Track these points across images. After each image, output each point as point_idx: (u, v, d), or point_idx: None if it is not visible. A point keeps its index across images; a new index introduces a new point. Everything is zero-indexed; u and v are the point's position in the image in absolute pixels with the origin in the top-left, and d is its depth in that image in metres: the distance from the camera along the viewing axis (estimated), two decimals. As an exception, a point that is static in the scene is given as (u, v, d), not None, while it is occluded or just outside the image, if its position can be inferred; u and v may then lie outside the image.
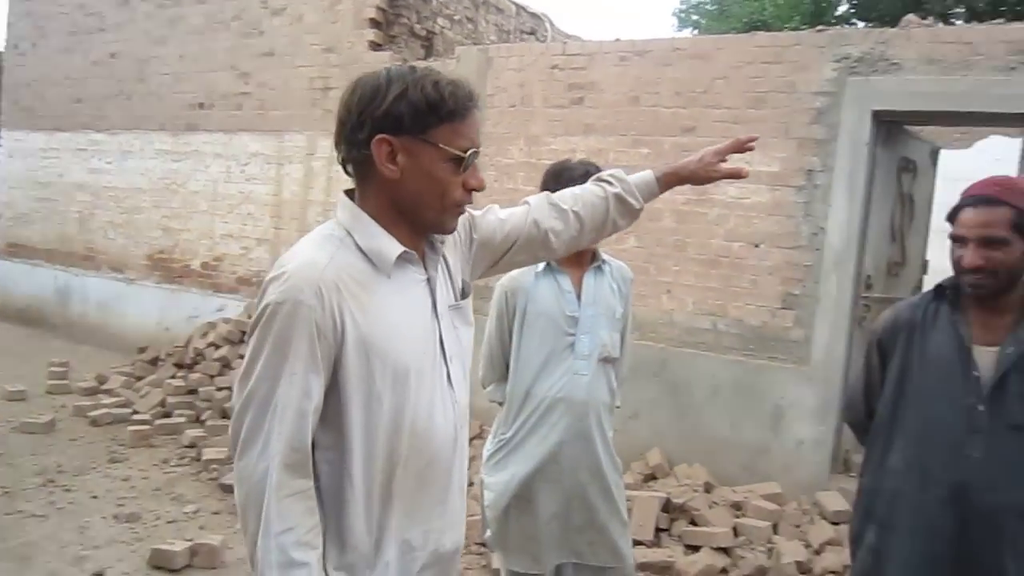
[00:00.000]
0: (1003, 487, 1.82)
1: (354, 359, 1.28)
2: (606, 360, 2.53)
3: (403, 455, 1.34)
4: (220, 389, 5.90)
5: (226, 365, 6.15)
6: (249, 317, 6.48)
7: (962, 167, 7.93)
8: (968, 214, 1.88)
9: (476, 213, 1.60)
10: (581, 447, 2.44)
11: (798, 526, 4.21)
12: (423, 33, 6.68)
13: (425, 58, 6.46)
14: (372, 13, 6.32)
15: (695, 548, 4.02)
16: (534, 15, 8.10)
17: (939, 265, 6.23)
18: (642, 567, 3.66)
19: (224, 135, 7.14)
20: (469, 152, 1.34)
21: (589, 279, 2.53)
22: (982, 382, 1.87)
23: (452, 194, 1.35)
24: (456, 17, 6.99)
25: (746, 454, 4.81)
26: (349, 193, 1.40)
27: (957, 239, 1.91)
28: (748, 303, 4.91)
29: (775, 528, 4.19)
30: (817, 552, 3.92)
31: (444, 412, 1.40)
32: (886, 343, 2.08)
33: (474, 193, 1.40)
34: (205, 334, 6.51)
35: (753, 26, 13.38)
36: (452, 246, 1.52)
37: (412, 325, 1.37)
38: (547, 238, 1.65)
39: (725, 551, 3.99)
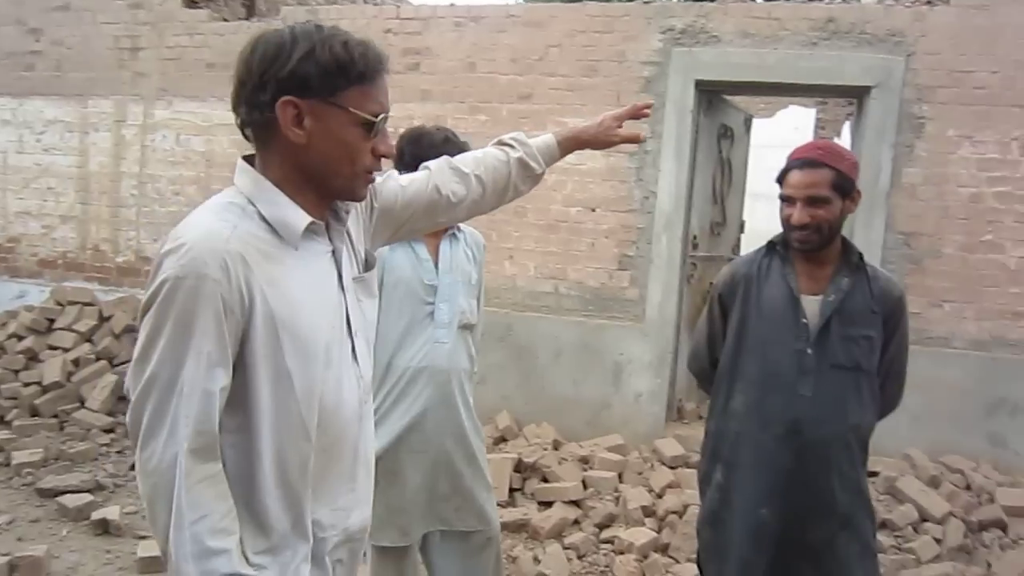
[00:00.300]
0: (829, 420, 2.04)
1: (262, 335, 1.20)
2: (465, 327, 2.52)
3: (313, 433, 1.27)
4: (27, 385, 5.32)
5: (32, 358, 5.55)
6: (58, 304, 5.89)
7: (767, 134, 8.66)
8: (795, 176, 2.05)
9: (376, 180, 1.52)
10: (445, 415, 2.44)
11: (640, 473, 4.47)
12: (243, -9, 6.25)
13: (247, 17, 6.06)
14: (185, -34, 5.82)
15: (548, 504, 4.16)
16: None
17: (755, 225, 6.80)
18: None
19: (12, 99, 6.34)
20: (380, 117, 1.28)
21: (445, 247, 2.50)
22: (810, 328, 2.06)
23: (362, 160, 1.29)
24: (279, -25, 6.59)
25: (590, 410, 5.04)
26: (248, 159, 1.31)
27: (786, 199, 2.08)
28: (587, 266, 5.10)
29: (620, 477, 4.43)
30: (659, 496, 4.19)
31: (350, 388, 1.35)
32: (726, 297, 2.24)
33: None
34: (4, 324, 5.82)
35: (576, -4, 13.73)
36: (354, 216, 1.45)
37: (320, 299, 1.30)
38: (449, 203, 1.61)
39: (576, 503, 4.16)
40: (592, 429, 4.96)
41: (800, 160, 2.06)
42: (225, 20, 5.88)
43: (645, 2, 4.99)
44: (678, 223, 4.91)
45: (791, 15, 4.68)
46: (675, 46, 4.83)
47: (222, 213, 1.22)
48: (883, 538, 3.78)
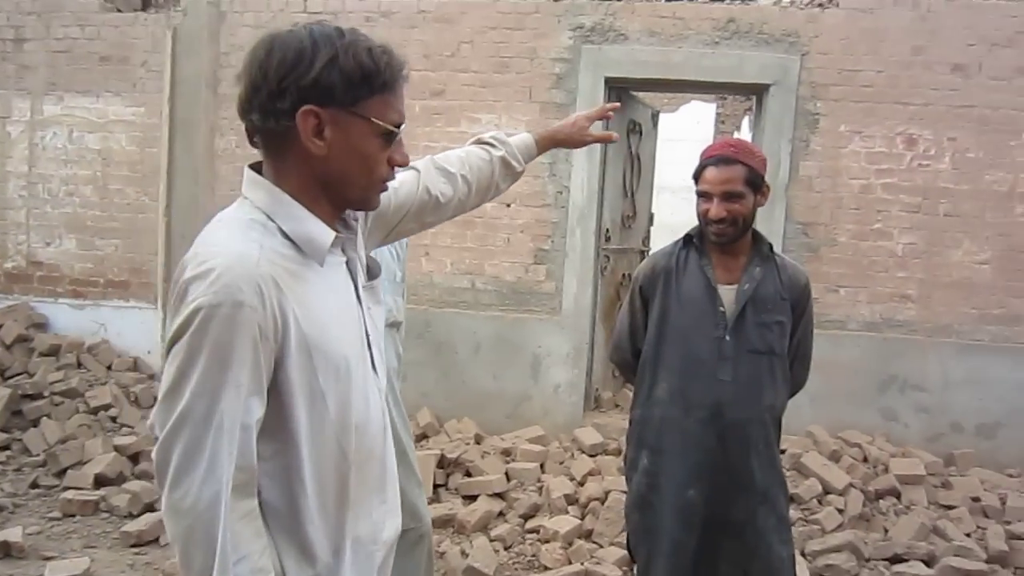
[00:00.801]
0: (747, 402, 2.16)
1: (296, 359, 1.15)
2: (392, 325, 2.52)
3: (349, 451, 1.24)
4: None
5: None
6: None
7: (671, 128, 8.94)
8: (711, 172, 2.16)
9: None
10: None
11: (562, 462, 4.57)
12: (138, -20, 5.96)
13: (143, 8, 5.79)
14: (74, -48, 5.51)
15: (473, 497, 4.20)
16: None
17: (663, 218, 7.03)
18: (426, 524, 3.75)
19: None
20: (401, 127, 1.24)
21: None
22: (727, 316, 2.17)
23: (379, 170, 1.24)
24: (176, -36, 6.34)
25: (510, 403, 5.10)
26: (255, 167, 1.24)
27: (703, 194, 2.18)
28: (503, 260, 5.15)
29: (542, 467, 4.50)
30: (581, 483, 4.29)
31: (375, 401, 1.31)
32: (647, 289, 2.33)
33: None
34: None
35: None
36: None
37: (343, 314, 1.26)
38: (437, 203, 1.60)
39: (500, 496, 4.22)
40: (513, 422, 5.02)
41: (715, 157, 2.17)
42: (119, 10, 5.60)
43: (555, 0, 5.06)
44: (591, 217, 5.02)
45: (694, 15, 4.85)
46: (585, 43, 4.93)
47: (246, 232, 1.16)
48: (791, 511, 3.99)
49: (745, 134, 9.31)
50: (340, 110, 1.16)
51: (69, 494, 4.07)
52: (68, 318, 5.64)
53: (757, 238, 2.26)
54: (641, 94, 5.88)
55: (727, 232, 2.16)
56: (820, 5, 4.82)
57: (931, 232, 4.77)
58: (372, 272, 1.40)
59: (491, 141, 1.71)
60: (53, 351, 5.37)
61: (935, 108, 4.71)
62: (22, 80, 5.61)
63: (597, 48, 4.92)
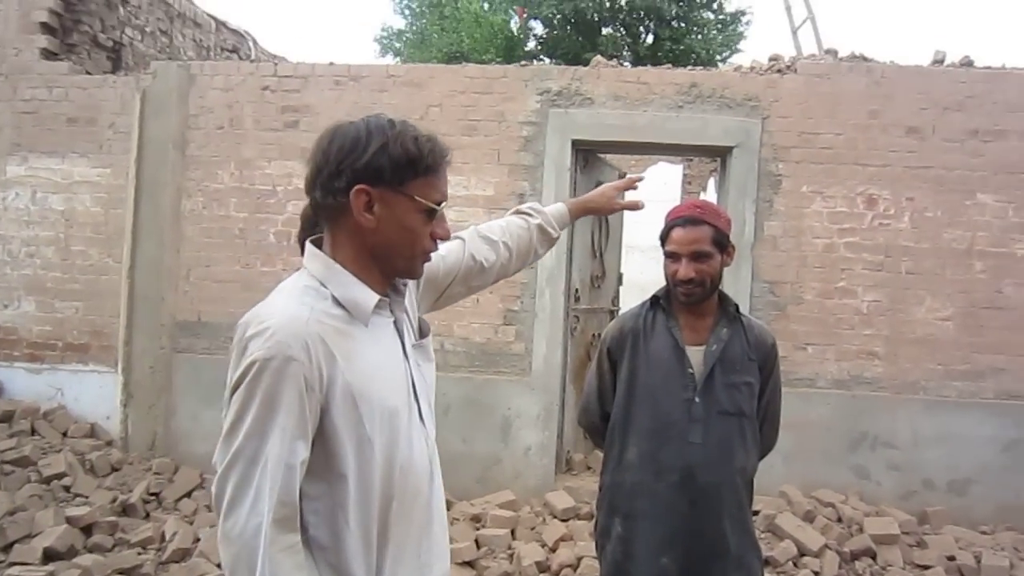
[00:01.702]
0: (718, 465, 2.11)
1: (341, 407, 1.29)
2: None
3: (394, 495, 1.36)
4: None
5: None
6: None
7: (638, 190, 9.11)
8: (679, 233, 2.16)
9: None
10: None
11: (533, 528, 4.46)
12: (109, 44, 6.00)
13: (113, 71, 5.81)
14: (44, 16, 5.52)
15: (441, 566, 4.06)
16: (236, 32, 7.69)
17: (632, 277, 7.07)
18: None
19: None
20: (442, 205, 1.41)
21: None
22: (696, 377, 2.15)
23: (422, 243, 1.41)
24: (148, 29, 6.38)
25: (480, 466, 4.99)
26: (315, 242, 1.41)
27: (671, 255, 2.18)
28: (472, 321, 5.12)
29: (513, 533, 4.39)
30: (553, 550, 4.18)
31: (420, 449, 1.43)
32: (615, 351, 2.30)
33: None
34: None
35: (452, 57, 14.09)
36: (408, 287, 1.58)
37: (389, 367, 1.40)
38: (482, 268, 1.78)
39: (470, 564, 4.09)
40: (483, 485, 4.91)
41: (682, 218, 2.17)
42: (88, 73, 5.61)
43: (522, 65, 5.17)
44: (560, 277, 5.03)
45: (658, 80, 4.98)
46: (552, 107, 5.03)
47: (301, 297, 1.33)
48: (767, 575, 3.92)
49: (711, 195, 9.48)
50: (388, 189, 1.34)
51: (15, 570, 3.86)
52: (24, 382, 5.47)
53: (723, 299, 2.26)
54: (608, 156, 5.97)
55: (695, 292, 2.15)
56: (779, 71, 4.97)
57: (894, 289, 4.84)
58: (423, 331, 1.56)
59: (528, 211, 1.92)
60: (6, 417, 5.18)
61: (893, 169, 4.84)
62: (-11, 142, 5.56)
63: (564, 112, 5.01)
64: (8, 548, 4.15)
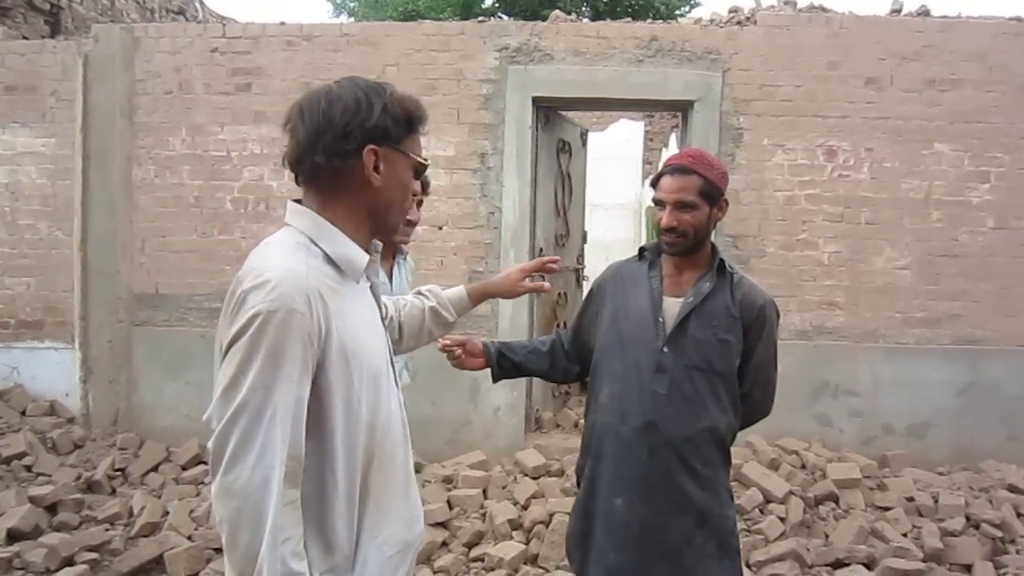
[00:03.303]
0: (682, 419, 2.10)
1: (335, 365, 1.31)
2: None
3: (375, 454, 1.39)
4: None
5: None
6: None
7: (600, 147, 9.05)
8: (666, 181, 2.13)
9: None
10: None
11: (504, 487, 4.49)
12: (45, 7, 5.73)
13: (52, 35, 5.56)
14: (-27, -20, 5.27)
15: (414, 529, 4.07)
16: (181, -7, 7.41)
17: (596, 236, 7.06)
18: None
19: None
20: (427, 160, 1.49)
21: (395, 269, 2.64)
22: (666, 327, 2.14)
23: (408, 198, 1.49)
24: (87, -10, 6.12)
25: (450, 428, 5.00)
26: (297, 202, 1.43)
27: (657, 202, 2.16)
28: (437, 283, 5.05)
29: (485, 493, 4.42)
30: (525, 507, 4.22)
31: (396, 410, 1.47)
32: (595, 292, 2.33)
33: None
34: None
35: (408, 16, 13.74)
36: None
37: (374, 327, 1.45)
38: None
39: (443, 524, 4.11)
40: (453, 448, 4.92)
41: (672, 166, 2.14)
42: (25, 38, 5.36)
43: (479, 21, 5.06)
44: (524, 237, 5.00)
45: (618, 34, 4.91)
46: (511, 64, 4.94)
47: (294, 252, 1.33)
48: (734, 524, 4.01)
49: (672, 151, 9.48)
50: (390, 148, 1.39)
51: (-22, 552, 3.79)
52: (-23, 362, 5.31)
53: (714, 254, 2.22)
54: (570, 113, 5.91)
55: (677, 242, 2.11)
56: (739, 23, 4.94)
57: (854, 240, 4.90)
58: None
59: (425, 293, 1.98)
60: (-39, 398, 5.04)
61: (852, 120, 4.86)
62: (-80, 113, 5.30)
63: (523, 68, 4.93)
64: (-30, 531, 4.06)
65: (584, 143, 6.02)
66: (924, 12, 5.08)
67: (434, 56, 4.98)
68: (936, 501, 4.23)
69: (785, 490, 4.18)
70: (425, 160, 1.47)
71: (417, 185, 1.51)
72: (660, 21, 5.21)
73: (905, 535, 3.97)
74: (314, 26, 5.08)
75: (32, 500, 4.17)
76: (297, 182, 1.40)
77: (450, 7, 14.46)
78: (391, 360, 1.48)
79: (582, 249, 6.17)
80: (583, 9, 14.81)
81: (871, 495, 4.35)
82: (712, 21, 5.01)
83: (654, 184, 2.19)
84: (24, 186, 5.28)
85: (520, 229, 4.99)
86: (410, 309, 1.91)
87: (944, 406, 4.86)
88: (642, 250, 2.30)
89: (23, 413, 5.12)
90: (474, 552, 3.89)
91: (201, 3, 7.69)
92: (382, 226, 1.47)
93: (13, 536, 3.96)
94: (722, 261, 2.22)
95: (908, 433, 4.87)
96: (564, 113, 5.64)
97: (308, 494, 1.31)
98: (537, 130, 5.09)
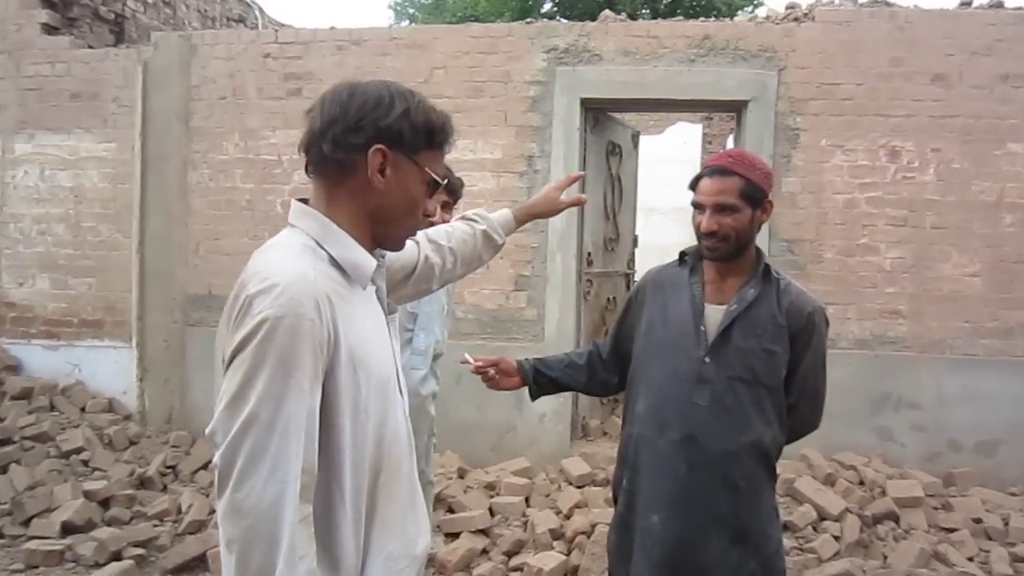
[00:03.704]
0: (724, 433, 1.98)
1: (344, 373, 1.24)
2: (437, 356, 2.64)
3: (383, 467, 1.33)
4: None
5: None
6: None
7: (657, 150, 8.89)
8: (705, 183, 2.01)
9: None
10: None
11: (548, 495, 4.41)
12: (110, 16, 5.92)
13: (115, 44, 5.74)
14: (43, -9, 5.47)
15: (455, 535, 4.03)
16: (242, 1, 7.58)
17: (650, 239, 6.93)
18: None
19: None
20: (445, 180, 1.40)
21: None
22: (708, 337, 2.02)
23: (418, 215, 1.40)
24: (150, 0, 6.30)
25: (494, 434, 4.95)
26: (303, 202, 1.37)
27: (697, 206, 2.05)
28: (483, 288, 5.03)
29: (527, 501, 4.35)
30: (567, 517, 4.13)
31: (402, 420, 1.41)
32: (634, 300, 2.24)
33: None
34: None
35: (465, 20, 13.82)
36: None
37: (380, 334, 1.38)
38: (431, 271, 1.76)
39: (484, 532, 4.05)
40: (498, 453, 4.87)
41: (711, 168, 2.03)
42: (90, 47, 5.55)
43: (527, 22, 5.01)
44: (571, 241, 4.92)
45: (669, 33, 4.79)
46: (559, 65, 4.86)
47: (300, 254, 1.27)
48: (784, 540, 3.84)
49: (732, 153, 9.26)
50: (402, 154, 1.32)
51: (33, 544, 3.91)
52: (42, 359, 5.51)
53: (760, 259, 2.10)
54: (623, 115, 5.80)
55: (719, 247, 2.00)
56: (796, 19, 4.76)
57: (919, 245, 4.66)
58: (390, 308, 1.53)
59: (474, 217, 1.91)
60: (25, 394, 5.23)
61: (917, 119, 4.63)
62: (-3, 119, 5.54)
63: (571, 69, 4.85)
64: (27, 522, 4.20)
65: (635, 145, 5.90)
66: (997, 4, 4.81)
67: (481, 58, 4.94)
68: (1006, 524, 3.98)
69: (841, 507, 3.99)
70: (440, 179, 1.38)
71: (434, 206, 1.44)
72: (713, 19, 5.07)
73: (971, 559, 3.74)
74: (363, 30, 5.11)
75: (86, 495, 4.29)
76: (307, 171, 1.35)
77: (508, 11, 14.49)
78: (398, 369, 1.43)
79: (632, 253, 6.04)
80: (642, 12, 14.65)
81: (934, 515, 4.11)
82: (768, 18, 4.85)
83: (692, 187, 2.08)
84: (87, 190, 5.46)
85: (567, 233, 4.91)
86: (460, 235, 1.85)
87: (1017, 422, 4.56)
88: (683, 254, 2.18)
89: (82, 410, 5.28)
90: (514, 561, 3.82)
91: (261, 11, 7.86)
92: (383, 236, 1.39)
93: (67, 529, 4.09)
94: (767, 266, 2.09)
95: (976, 450, 4.60)
96: (615, 115, 5.54)
97: (314, 508, 1.24)
98: (585, 132, 5.00)
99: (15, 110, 5.51)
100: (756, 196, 2.00)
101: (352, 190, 1.32)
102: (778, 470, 4.27)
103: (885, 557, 3.77)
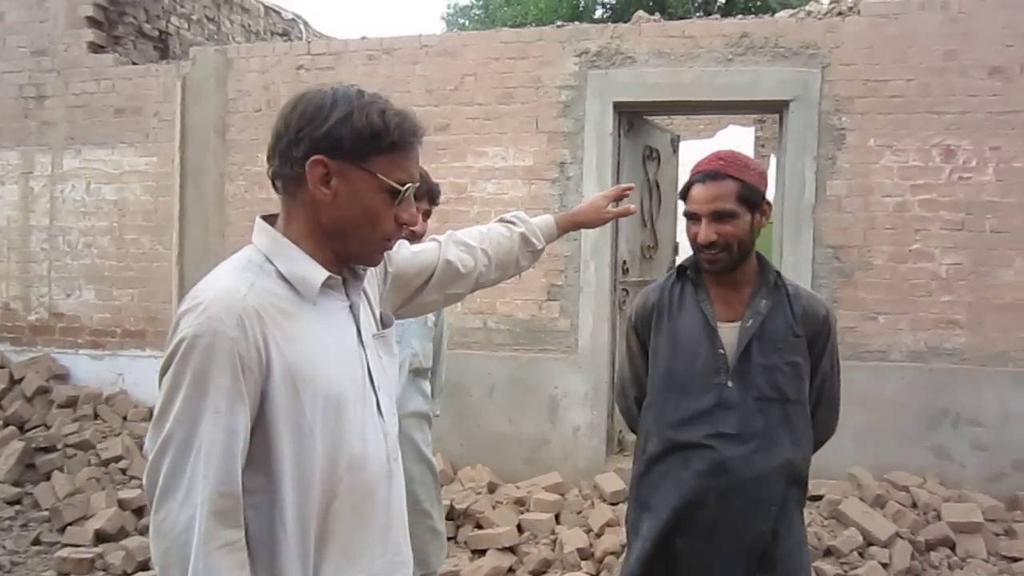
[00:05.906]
0: (758, 458, 1.83)
1: (281, 392, 1.19)
2: (417, 371, 2.50)
3: (338, 492, 1.25)
4: None
5: None
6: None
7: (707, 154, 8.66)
8: (698, 190, 1.86)
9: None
10: None
11: (579, 512, 4.26)
12: (154, 33, 6.06)
13: (159, 61, 5.86)
14: (90, 11, 5.61)
15: (482, 552, 3.93)
16: (286, 16, 7.68)
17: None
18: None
19: (-83, 156, 6.05)
20: (406, 186, 1.30)
21: None
22: (728, 359, 1.87)
23: (383, 225, 1.30)
24: (194, 16, 6.42)
25: (527, 447, 4.83)
26: (268, 218, 1.33)
27: (691, 216, 1.89)
28: (515, 298, 4.93)
29: (557, 518, 4.21)
30: (598, 535, 3.98)
31: (376, 444, 1.32)
32: (641, 328, 2.04)
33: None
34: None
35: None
36: (371, 276, 1.48)
37: (339, 352, 1.29)
38: (458, 273, 1.67)
39: (511, 550, 3.94)
40: (531, 467, 4.75)
41: (702, 173, 1.87)
42: (134, 63, 5.68)
43: (558, 26, 4.90)
44: (605, 249, 4.77)
45: (705, 32, 4.61)
46: (591, 69, 4.73)
47: (241, 272, 1.23)
48: (827, 566, 3.61)
49: (785, 157, 8.95)
50: (347, 163, 1.24)
51: (65, 552, 3.97)
52: (88, 369, 5.64)
53: (763, 265, 1.95)
54: (669, 120, 5.63)
55: (720, 258, 1.85)
56: (840, 14, 4.52)
57: (977, 251, 4.35)
58: (385, 323, 1.46)
59: (512, 219, 1.80)
60: (71, 402, 5.36)
61: (974, 116, 4.33)
62: (44, 136, 5.71)
63: (604, 73, 4.71)
64: (63, 530, 4.27)
65: (675, 150, 5.71)
66: (1063, -9, 4.46)
67: (512, 64, 4.85)
68: (1076, 553, 3.65)
69: (890, 532, 3.74)
70: (399, 185, 1.28)
71: (411, 212, 1.34)
72: (752, 16, 4.86)
73: (1035, 591, 3.45)
74: (394, 39, 5.08)
75: (120, 503, 4.34)
76: (273, 187, 1.33)
77: (560, 19, 14.40)
78: (375, 387, 1.34)
79: (673, 261, 5.84)
80: (697, 15, 14.35)
81: (995, 542, 3.81)
82: (810, 13, 4.61)
83: (683, 196, 1.92)
84: (130, 203, 5.58)
85: (601, 241, 4.76)
86: (496, 237, 1.73)
87: (1090, 441, 4.21)
88: (683, 269, 2.01)
89: (124, 418, 5.37)
90: (538, 581, 3.70)
91: (306, 24, 7.95)
92: (345, 250, 1.32)
93: (100, 537, 4.14)
94: (777, 273, 1.94)
95: (1045, 471, 4.25)
96: (653, 119, 5.37)
97: (257, 535, 1.19)
98: (619, 137, 4.86)
99: (64, 127, 5.67)
100: (753, 198, 1.85)
101: (304, 204, 1.27)
102: (823, 491, 4.05)
103: (938, 587, 3.51)
